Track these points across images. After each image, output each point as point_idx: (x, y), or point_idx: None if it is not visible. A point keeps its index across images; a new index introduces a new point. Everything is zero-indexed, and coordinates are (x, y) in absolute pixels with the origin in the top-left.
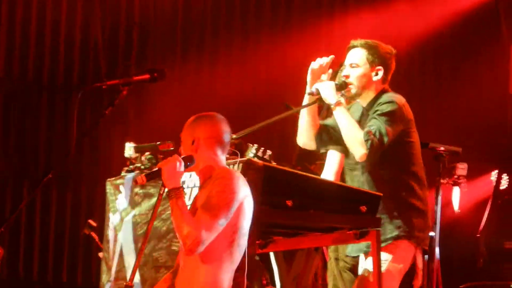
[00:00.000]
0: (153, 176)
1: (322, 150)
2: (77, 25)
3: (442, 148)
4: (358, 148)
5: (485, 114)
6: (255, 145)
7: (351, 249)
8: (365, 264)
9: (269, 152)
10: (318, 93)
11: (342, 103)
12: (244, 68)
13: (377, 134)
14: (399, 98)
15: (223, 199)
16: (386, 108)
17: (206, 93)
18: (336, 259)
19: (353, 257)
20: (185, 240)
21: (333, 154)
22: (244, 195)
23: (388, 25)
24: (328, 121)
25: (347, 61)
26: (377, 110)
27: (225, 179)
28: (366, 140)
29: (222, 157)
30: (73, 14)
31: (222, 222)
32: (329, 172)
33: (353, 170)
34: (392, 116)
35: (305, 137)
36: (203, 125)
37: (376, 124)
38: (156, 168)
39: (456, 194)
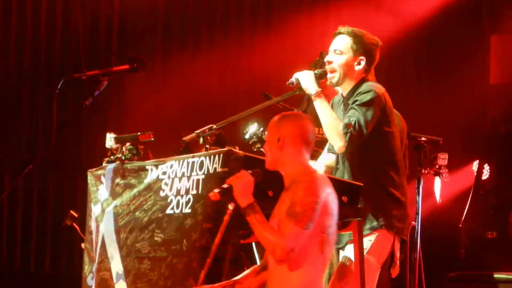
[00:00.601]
0: (225, 193)
1: None
2: (58, 14)
3: (423, 138)
4: (337, 140)
5: (466, 104)
6: (255, 123)
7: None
8: (345, 252)
9: (267, 133)
10: (298, 83)
11: (322, 94)
12: (226, 58)
13: (356, 126)
14: (378, 87)
15: (307, 205)
16: (365, 97)
17: (187, 82)
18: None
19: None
20: (273, 252)
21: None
22: (327, 194)
23: (369, 17)
24: None
25: (331, 47)
26: (356, 100)
27: (306, 182)
28: (345, 133)
29: (306, 155)
30: (54, 3)
31: (309, 227)
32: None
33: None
34: (371, 106)
35: None
36: (289, 124)
37: (355, 115)
38: (227, 185)
39: (437, 185)
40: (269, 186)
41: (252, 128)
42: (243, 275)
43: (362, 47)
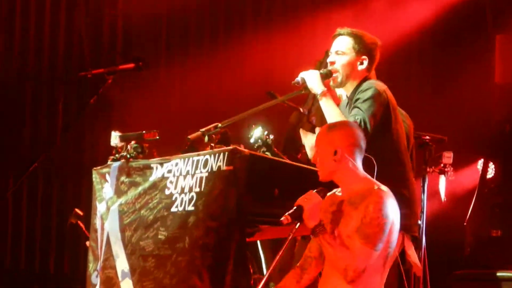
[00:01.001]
0: (296, 216)
1: None
2: (61, 15)
3: (427, 137)
4: None
5: (470, 103)
6: (260, 127)
7: None
8: None
9: (271, 136)
10: (303, 82)
11: (327, 93)
12: (229, 58)
13: (362, 124)
14: (379, 84)
15: (378, 226)
16: (366, 94)
17: (191, 81)
18: None
19: None
20: (345, 272)
21: None
22: (395, 213)
23: (373, 16)
24: None
25: (333, 48)
26: (358, 98)
27: (379, 204)
28: None
29: (360, 164)
30: (58, 3)
31: (379, 248)
32: None
33: None
34: (373, 102)
35: None
36: (342, 134)
37: (359, 113)
38: (296, 207)
39: (442, 183)
40: (275, 185)
41: (256, 132)
42: (284, 281)
43: (363, 47)
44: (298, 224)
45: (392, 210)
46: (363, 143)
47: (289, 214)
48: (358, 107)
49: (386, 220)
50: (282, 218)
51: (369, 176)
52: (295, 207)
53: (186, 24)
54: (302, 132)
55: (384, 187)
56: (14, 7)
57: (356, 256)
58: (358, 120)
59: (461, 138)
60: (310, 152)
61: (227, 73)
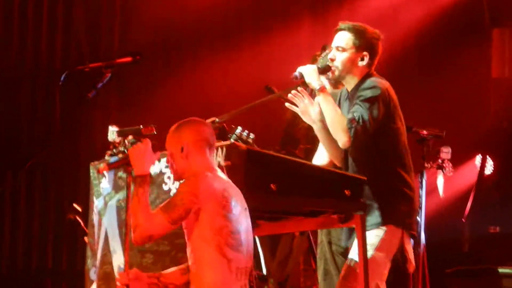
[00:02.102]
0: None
1: None
2: (59, 10)
3: (425, 132)
4: (341, 136)
5: (467, 98)
6: (239, 127)
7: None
8: (351, 254)
9: (252, 135)
10: (302, 77)
11: (326, 89)
12: (229, 52)
13: (360, 121)
14: (382, 83)
15: (180, 201)
16: (369, 93)
17: (189, 76)
18: (329, 242)
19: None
20: (133, 230)
21: None
22: (216, 196)
23: (371, 12)
24: None
25: (333, 44)
26: (360, 96)
27: (189, 180)
28: (350, 128)
29: (211, 158)
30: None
31: (174, 221)
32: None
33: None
34: (375, 101)
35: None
36: (188, 130)
37: (359, 110)
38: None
39: (440, 179)
40: (272, 179)
41: (236, 132)
42: (170, 270)
43: (364, 42)
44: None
45: (207, 192)
46: (212, 138)
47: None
48: (359, 105)
49: (190, 196)
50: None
51: (218, 173)
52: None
53: (184, 19)
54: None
55: (216, 173)
56: (12, 4)
57: (152, 221)
58: (357, 117)
59: (458, 134)
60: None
61: (225, 68)
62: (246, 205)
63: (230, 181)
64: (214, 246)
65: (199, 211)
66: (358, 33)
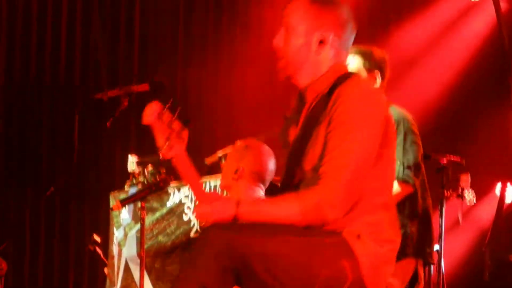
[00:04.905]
0: None
1: None
2: (77, 26)
3: (445, 160)
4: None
5: (488, 125)
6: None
7: None
8: None
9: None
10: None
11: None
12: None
13: None
14: (402, 113)
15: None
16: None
17: (209, 97)
18: None
19: None
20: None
21: None
22: None
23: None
24: None
25: None
26: None
27: None
28: None
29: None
30: (74, 15)
31: None
32: None
33: None
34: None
35: None
36: (251, 155)
37: None
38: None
39: (460, 207)
40: None
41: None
42: None
43: (375, 64)
44: None
45: None
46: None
47: None
48: None
49: None
50: None
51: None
52: None
53: (204, 34)
54: None
55: None
56: (30, 20)
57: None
58: None
59: (478, 162)
60: None
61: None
62: None
63: None
64: None
65: None
66: (366, 55)
